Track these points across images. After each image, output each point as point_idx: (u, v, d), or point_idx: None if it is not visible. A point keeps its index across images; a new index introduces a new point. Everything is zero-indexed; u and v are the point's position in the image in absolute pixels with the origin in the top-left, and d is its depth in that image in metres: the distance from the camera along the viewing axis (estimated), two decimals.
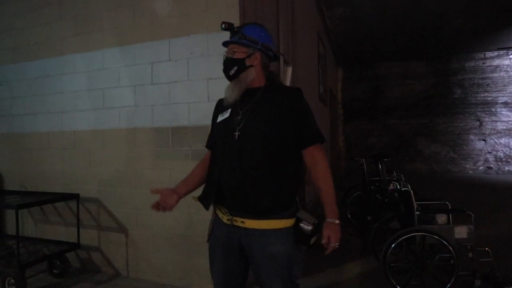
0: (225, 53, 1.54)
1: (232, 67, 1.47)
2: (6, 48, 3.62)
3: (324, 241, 1.36)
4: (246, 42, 1.47)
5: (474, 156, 10.26)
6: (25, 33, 3.50)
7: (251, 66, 1.47)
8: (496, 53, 10.04)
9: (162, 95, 2.89)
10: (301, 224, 1.37)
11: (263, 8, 3.14)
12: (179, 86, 2.84)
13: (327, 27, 7.73)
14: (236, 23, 2.62)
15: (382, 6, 6.74)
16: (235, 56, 1.48)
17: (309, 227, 1.36)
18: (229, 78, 1.50)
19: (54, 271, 3.05)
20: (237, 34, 1.50)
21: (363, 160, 4.67)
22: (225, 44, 1.56)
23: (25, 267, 2.67)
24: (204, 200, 1.49)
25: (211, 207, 1.52)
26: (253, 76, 1.48)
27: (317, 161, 1.42)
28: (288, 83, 3.32)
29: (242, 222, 1.38)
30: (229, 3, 2.65)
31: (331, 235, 1.36)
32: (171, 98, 2.87)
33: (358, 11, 7.01)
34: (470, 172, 10.23)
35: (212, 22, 2.70)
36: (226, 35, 2.61)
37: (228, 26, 1.52)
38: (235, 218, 1.40)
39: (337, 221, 1.39)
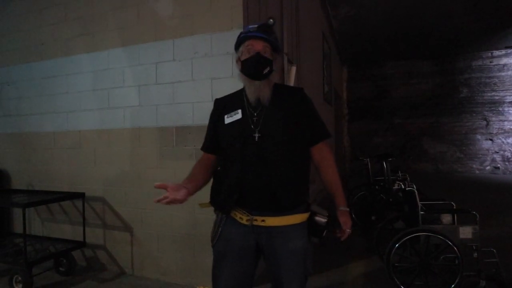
0: (250, 46, 1.42)
1: (266, 67, 1.42)
2: (13, 49, 3.67)
3: (344, 227, 1.46)
4: (279, 48, 1.50)
5: (480, 156, 10.16)
6: (31, 34, 3.55)
7: (274, 71, 1.48)
8: (503, 51, 9.94)
9: (166, 95, 2.91)
10: (317, 218, 1.41)
11: (267, 7, 3.15)
12: (183, 86, 2.85)
13: (332, 26, 7.71)
14: (240, 23, 2.64)
15: (388, 5, 6.70)
16: (268, 56, 1.43)
17: (324, 220, 1.41)
18: (260, 76, 1.42)
19: (61, 269, 3.08)
20: (272, 35, 1.46)
21: (368, 160, 4.65)
22: (252, 37, 1.43)
23: (32, 265, 2.71)
24: (224, 205, 1.44)
25: (209, 209, 1.52)
26: (275, 81, 1.51)
27: (325, 156, 1.50)
28: (292, 82, 3.33)
29: (263, 220, 1.38)
30: (232, 3, 2.66)
31: (347, 222, 1.45)
32: (175, 98, 2.88)
33: (363, 10, 6.97)
34: (477, 172, 10.14)
35: (216, 22, 2.71)
36: (229, 35, 2.64)
37: (274, 23, 1.54)
38: (255, 217, 1.39)
39: (347, 209, 1.49)
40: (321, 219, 1.41)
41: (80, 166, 3.30)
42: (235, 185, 1.40)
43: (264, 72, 1.42)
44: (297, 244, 1.40)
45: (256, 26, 1.46)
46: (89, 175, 3.25)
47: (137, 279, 3.00)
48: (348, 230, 1.45)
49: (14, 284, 2.69)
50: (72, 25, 3.32)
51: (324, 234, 1.41)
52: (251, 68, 1.42)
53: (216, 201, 1.48)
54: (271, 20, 1.50)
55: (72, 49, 3.32)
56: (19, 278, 2.67)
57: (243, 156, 1.39)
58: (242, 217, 1.41)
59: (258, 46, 1.42)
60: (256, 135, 1.39)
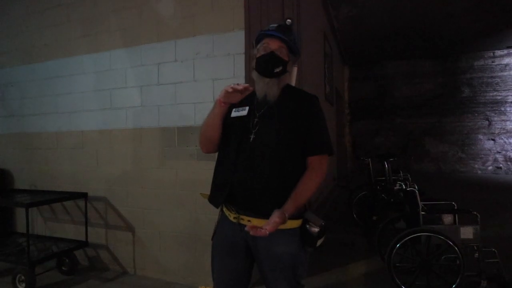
0: (266, 44, 1.43)
1: (278, 66, 1.41)
2: (16, 50, 3.69)
3: (266, 226, 1.25)
4: (296, 50, 1.46)
5: (483, 156, 10.14)
6: (34, 35, 3.57)
7: (288, 72, 1.46)
8: (505, 51, 9.91)
9: (168, 96, 2.93)
10: (308, 226, 1.36)
11: (268, 8, 3.16)
12: (185, 86, 2.87)
13: (333, 26, 7.71)
14: (241, 24, 2.65)
15: (389, 4, 6.70)
16: (282, 56, 1.42)
17: (316, 229, 1.35)
18: (270, 74, 1.41)
19: (63, 268, 3.10)
20: (290, 36, 1.44)
21: (369, 160, 4.65)
22: (270, 35, 1.44)
23: (35, 264, 2.73)
24: (213, 199, 1.48)
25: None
26: (287, 82, 1.47)
27: (314, 168, 1.40)
28: (293, 83, 3.33)
29: (249, 221, 1.38)
30: (234, 3, 2.67)
31: (277, 223, 1.26)
32: (177, 99, 2.90)
33: (365, 9, 6.97)
34: (479, 172, 10.12)
35: (217, 23, 2.73)
36: (230, 36, 2.66)
37: (291, 23, 1.46)
38: (241, 216, 1.40)
39: (287, 214, 1.30)
40: (313, 228, 1.34)
41: (82, 166, 3.32)
42: (225, 183, 1.42)
43: (275, 71, 1.41)
44: (283, 249, 1.37)
45: (275, 25, 1.46)
46: (91, 175, 3.27)
47: (139, 278, 3.01)
48: (263, 230, 1.23)
49: (17, 283, 2.72)
50: (74, 26, 3.34)
51: (317, 243, 1.35)
52: (263, 65, 1.42)
53: (211, 194, 1.52)
54: (289, 20, 1.48)
55: (75, 50, 3.34)
56: (22, 277, 2.69)
57: (237, 155, 1.40)
58: (230, 214, 1.44)
59: (274, 45, 1.42)
60: (252, 136, 1.40)
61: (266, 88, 1.42)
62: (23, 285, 2.68)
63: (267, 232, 1.24)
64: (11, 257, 2.90)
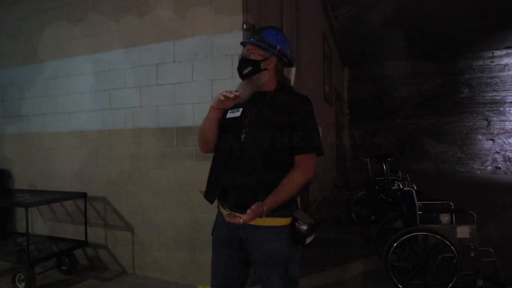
0: (242, 52, 1.57)
1: (247, 67, 1.51)
2: (16, 51, 3.71)
3: (243, 216, 1.31)
4: (264, 46, 1.51)
5: (482, 156, 10.16)
6: (33, 36, 3.58)
7: (265, 69, 1.51)
8: (504, 51, 9.93)
9: (167, 96, 2.94)
10: (297, 224, 1.40)
11: (266, 9, 3.17)
12: (183, 87, 2.88)
13: (332, 26, 7.73)
14: (239, 25, 2.66)
15: (388, 5, 6.72)
16: (251, 57, 1.51)
17: (304, 227, 1.38)
18: (242, 77, 1.54)
19: (63, 268, 3.12)
20: (256, 35, 1.54)
21: (368, 160, 4.68)
22: (243, 43, 1.60)
23: (35, 264, 2.75)
24: (208, 196, 1.54)
25: (215, 203, 1.56)
26: (266, 79, 1.51)
27: (299, 167, 1.43)
28: (291, 83, 3.35)
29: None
30: (233, 4, 2.68)
31: (251, 214, 1.30)
32: (176, 99, 2.91)
33: (364, 10, 6.99)
34: (478, 172, 10.13)
35: (216, 23, 2.74)
36: (228, 37, 2.68)
37: (250, 27, 1.56)
38: (234, 213, 1.42)
39: (265, 208, 1.33)
40: (301, 226, 1.38)
41: (82, 166, 3.33)
42: (218, 181, 1.47)
43: (244, 72, 1.52)
44: (273, 246, 1.40)
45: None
46: (90, 175, 3.28)
47: (138, 278, 3.03)
48: (238, 218, 1.31)
49: (17, 283, 2.73)
50: (74, 27, 3.35)
51: (306, 241, 1.39)
52: (238, 70, 1.56)
53: (206, 191, 1.57)
54: (244, 25, 1.58)
55: (74, 51, 3.36)
56: (22, 276, 2.70)
57: (229, 155, 1.45)
58: (224, 211, 1.48)
59: (244, 50, 1.57)
60: (243, 136, 1.45)
61: (238, 87, 1.52)
62: (23, 284, 2.70)
63: (241, 221, 1.31)
64: (11, 256, 2.92)
